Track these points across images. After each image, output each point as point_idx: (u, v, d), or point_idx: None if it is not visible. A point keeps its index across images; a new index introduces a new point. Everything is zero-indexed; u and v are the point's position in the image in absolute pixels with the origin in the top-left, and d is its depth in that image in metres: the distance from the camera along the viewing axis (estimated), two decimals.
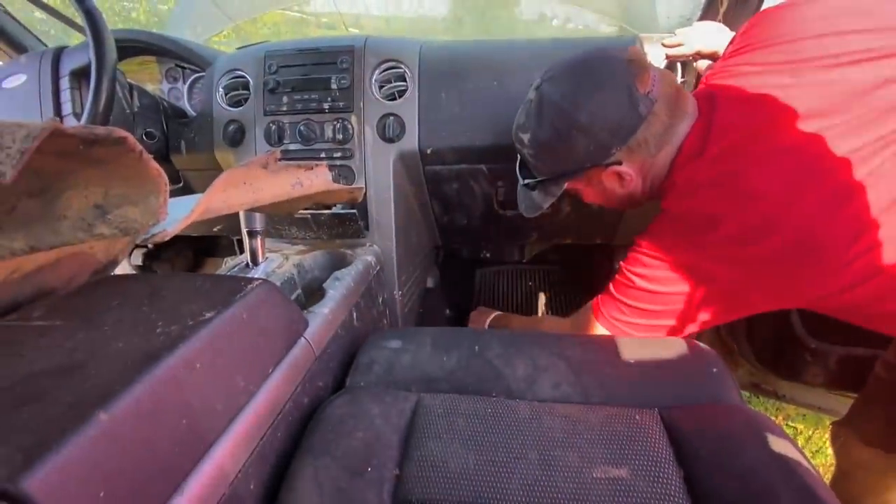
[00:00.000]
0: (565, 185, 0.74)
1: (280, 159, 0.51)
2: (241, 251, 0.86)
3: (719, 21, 0.93)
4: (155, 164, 0.34)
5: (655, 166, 0.68)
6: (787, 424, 1.37)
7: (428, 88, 0.94)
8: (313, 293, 0.84)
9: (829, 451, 1.24)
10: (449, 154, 0.96)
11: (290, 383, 0.56)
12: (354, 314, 0.78)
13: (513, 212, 1.09)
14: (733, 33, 0.82)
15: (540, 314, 1.44)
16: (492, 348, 0.67)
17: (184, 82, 1.12)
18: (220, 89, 0.99)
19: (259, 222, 0.77)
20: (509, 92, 0.92)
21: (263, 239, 0.80)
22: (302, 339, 0.61)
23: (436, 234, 1.22)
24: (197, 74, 1.09)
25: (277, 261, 0.84)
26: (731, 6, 0.91)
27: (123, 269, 1.45)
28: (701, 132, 0.63)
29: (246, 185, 0.47)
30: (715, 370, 0.62)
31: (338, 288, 0.75)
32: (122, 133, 0.29)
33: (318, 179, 0.58)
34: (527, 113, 0.72)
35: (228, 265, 0.86)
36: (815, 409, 1.19)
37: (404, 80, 0.95)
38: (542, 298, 1.50)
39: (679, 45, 0.86)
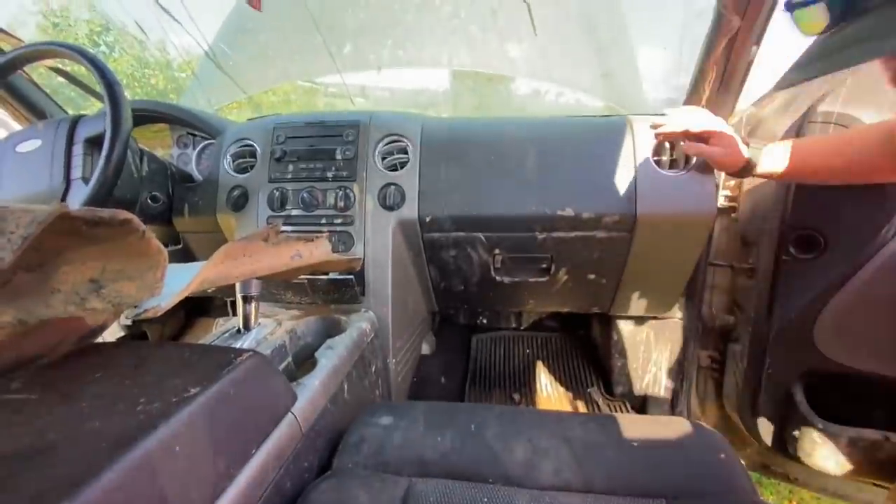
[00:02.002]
0: None
1: (281, 231, 0.52)
2: (234, 312, 0.86)
3: (703, 106, 0.99)
4: (156, 242, 0.34)
5: None
6: None
7: (428, 161, 0.98)
8: (305, 361, 0.82)
9: None
10: (447, 222, 0.98)
11: (274, 464, 0.53)
12: (345, 385, 0.75)
13: (509, 279, 1.10)
14: (718, 117, 0.88)
15: (538, 383, 1.40)
16: (489, 427, 0.64)
17: (193, 148, 1.16)
18: (228, 156, 1.03)
19: (254, 288, 0.76)
20: (505, 166, 0.96)
21: (258, 304, 0.79)
22: (289, 414, 0.58)
23: (432, 299, 1.21)
24: (207, 142, 1.14)
25: (270, 327, 0.83)
26: (713, 93, 0.97)
27: (112, 328, 1.41)
28: None
29: (245, 258, 0.47)
30: (723, 456, 0.59)
31: (330, 357, 0.73)
32: (126, 215, 0.29)
33: (317, 251, 0.58)
34: None
35: (220, 329, 0.84)
36: (830, 493, 1.12)
37: (406, 153, 0.99)
38: (539, 366, 1.46)
39: (666, 125, 0.90)
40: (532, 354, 1.48)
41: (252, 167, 1.01)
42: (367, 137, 0.98)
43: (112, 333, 1.42)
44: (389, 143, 1.00)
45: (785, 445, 1.04)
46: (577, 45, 1.31)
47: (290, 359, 0.80)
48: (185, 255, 1.13)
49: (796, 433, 0.99)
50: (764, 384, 1.04)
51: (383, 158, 0.99)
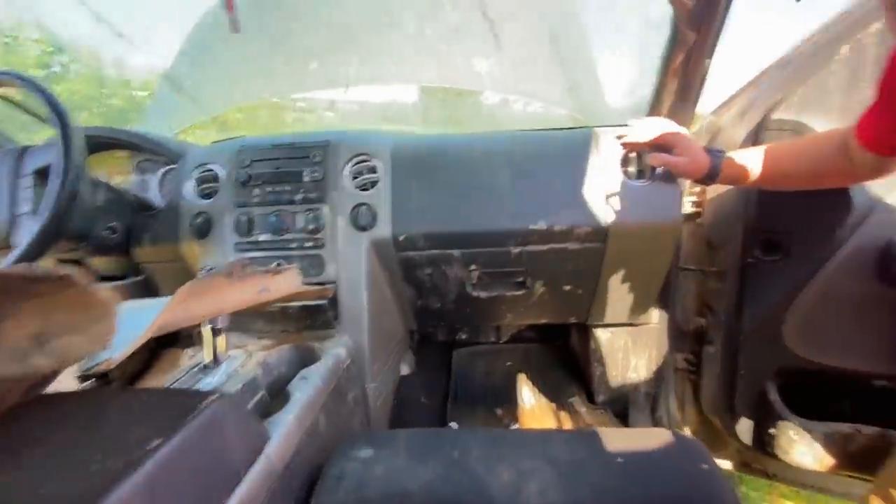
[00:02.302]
0: None
1: (246, 265, 0.49)
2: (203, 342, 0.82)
3: (665, 116, 1.02)
4: (102, 294, 0.31)
5: None
6: (780, 502, 1.32)
7: (400, 179, 0.97)
8: (278, 393, 0.79)
9: None
10: (421, 240, 0.97)
11: None
12: (322, 417, 0.73)
13: (486, 294, 1.09)
14: (680, 127, 0.90)
15: (521, 396, 1.39)
16: (473, 453, 0.62)
17: (154, 174, 1.12)
18: (191, 182, 0.99)
19: (222, 320, 0.73)
20: (476, 181, 0.96)
21: (226, 336, 0.75)
22: (262, 455, 0.55)
23: (410, 318, 1.19)
24: (168, 167, 1.10)
25: (240, 359, 0.79)
26: (673, 103, 1.00)
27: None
28: None
29: (208, 296, 0.45)
30: (705, 466, 0.60)
31: (304, 389, 0.70)
32: (64, 272, 0.27)
33: (285, 283, 0.56)
34: None
35: (187, 364, 0.80)
36: (808, 487, 1.15)
37: (376, 172, 0.98)
38: (521, 378, 1.45)
39: (630, 136, 0.92)
40: (513, 367, 1.48)
41: (216, 192, 0.98)
42: (336, 158, 0.97)
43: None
44: (358, 162, 0.98)
45: (763, 443, 1.06)
46: (541, 59, 1.33)
47: (262, 392, 0.77)
48: (146, 287, 1.08)
49: (773, 431, 1.01)
50: (738, 384, 1.06)
51: (353, 178, 0.97)
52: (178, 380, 0.73)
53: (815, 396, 0.99)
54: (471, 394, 1.39)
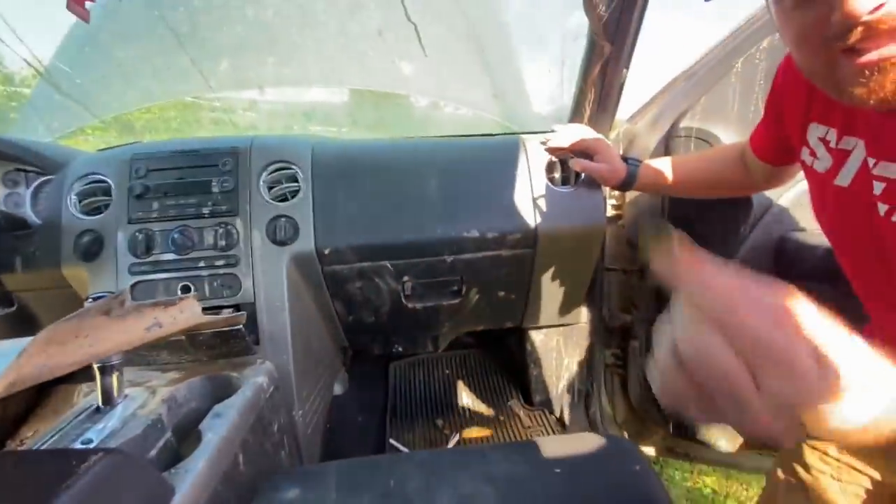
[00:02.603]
0: None
1: (126, 300, 0.42)
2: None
3: (585, 123, 1.06)
4: None
5: None
6: (700, 479, 1.42)
7: (323, 188, 0.91)
8: (189, 433, 0.70)
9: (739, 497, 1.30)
10: (349, 253, 0.92)
11: None
12: (241, 457, 0.65)
13: (422, 304, 1.06)
14: (599, 134, 0.93)
15: (460, 403, 1.37)
16: (410, 480, 0.59)
17: (27, 187, 0.95)
18: (73, 195, 0.86)
19: (114, 355, 0.63)
20: (405, 189, 0.93)
21: (121, 373, 0.65)
22: None
23: (341, 334, 1.12)
24: (44, 178, 0.94)
25: (140, 398, 0.69)
26: (593, 111, 1.04)
27: None
28: None
29: (79, 340, 0.37)
30: (638, 468, 0.61)
31: (217, 428, 0.62)
32: None
33: (182, 316, 0.48)
34: None
35: (77, 407, 0.69)
36: (724, 465, 1.25)
37: (296, 181, 0.91)
38: (460, 385, 1.44)
39: (553, 141, 0.93)
40: (452, 374, 1.46)
41: (106, 206, 0.85)
42: (249, 165, 0.88)
43: None
44: (276, 170, 0.90)
45: (683, 430, 1.13)
46: (467, 65, 1.33)
47: (168, 435, 0.67)
48: (20, 318, 0.91)
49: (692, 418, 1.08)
50: None
51: (270, 188, 0.90)
52: (61, 430, 0.62)
53: None
54: (410, 406, 1.35)
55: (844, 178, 0.52)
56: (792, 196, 0.92)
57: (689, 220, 1.01)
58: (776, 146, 0.67)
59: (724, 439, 1.05)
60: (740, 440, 1.06)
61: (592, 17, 0.84)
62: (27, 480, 0.40)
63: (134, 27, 1.30)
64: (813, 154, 0.56)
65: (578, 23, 0.94)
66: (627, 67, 0.92)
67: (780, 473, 0.71)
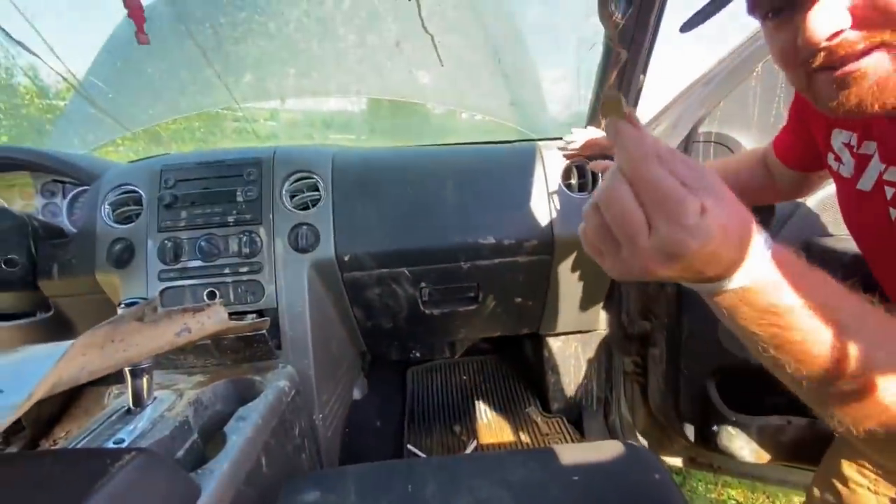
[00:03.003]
0: None
1: (157, 306, 0.44)
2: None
3: (602, 129, 1.06)
4: None
5: None
6: (725, 492, 1.38)
7: (342, 196, 0.93)
8: (214, 434, 0.72)
9: None
10: (368, 260, 0.93)
11: None
12: (264, 459, 0.67)
13: (439, 310, 1.07)
14: None
15: (478, 410, 1.37)
16: (427, 485, 0.59)
17: (63, 197, 1.00)
18: (107, 205, 0.90)
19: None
20: (423, 196, 0.94)
21: (151, 375, 0.67)
22: None
23: (360, 340, 1.14)
24: (80, 188, 0.99)
25: (168, 400, 0.71)
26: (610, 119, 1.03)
27: None
28: None
29: (115, 344, 0.39)
30: (657, 476, 0.60)
31: (241, 431, 0.64)
32: None
33: (209, 321, 0.51)
34: None
35: (108, 408, 0.72)
36: (749, 477, 1.21)
37: (317, 190, 0.93)
38: (477, 392, 1.44)
39: (571, 146, 0.93)
40: (469, 381, 1.46)
41: (137, 216, 0.89)
42: (272, 175, 0.91)
43: None
44: (297, 180, 0.93)
45: (706, 440, 1.10)
46: (483, 73, 1.34)
47: (195, 436, 0.69)
48: (57, 323, 0.96)
49: (715, 428, 1.06)
50: (682, 384, 1.10)
51: (292, 197, 0.92)
52: (93, 431, 0.65)
53: (753, 392, 1.05)
54: (427, 412, 1.35)
55: (866, 183, 0.51)
56: (817, 200, 0.90)
57: None
58: (803, 153, 0.66)
59: (748, 449, 1.03)
60: (765, 451, 1.03)
61: (608, 24, 0.84)
62: (65, 478, 0.42)
63: (163, 43, 1.36)
64: (838, 159, 0.56)
65: (594, 30, 0.95)
66: (644, 73, 0.92)
67: (816, 491, 0.69)
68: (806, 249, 0.90)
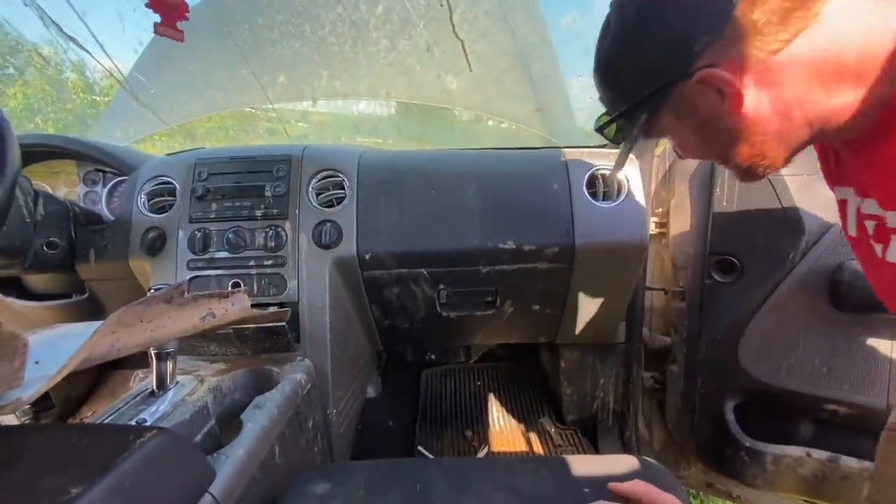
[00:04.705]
0: (643, 118, 0.49)
1: (186, 290, 0.45)
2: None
3: None
4: (7, 328, 0.28)
5: (800, 72, 0.40)
6: None
7: (366, 196, 0.94)
8: (231, 422, 0.74)
9: None
10: (388, 259, 0.94)
11: None
12: (277, 449, 0.68)
13: (456, 314, 1.07)
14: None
15: (490, 417, 1.36)
16: (436, 485, 0.59)
17: (103, 186, 1.05)
18: (143, 195, 0.94)
19: (170, 342, 0.68)
20: (445, 199, 0.95)
21: (174, 360, 0.70)
22: (206, 494, 0.51)
23: (376, 338, 1.15)
24: (119, 178, 1.03)
25: (190, 385, 0.74)
26: None
27: None
28: None
29: (143, 324, 0.41)
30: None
31: (257, 419, 0.66)
32: None
33: (233, 308, 0.52)
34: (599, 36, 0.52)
35: (132, 390, 0.74)
36: None
37: (342, 188, 0.95)
38: (491, 398, 1.43)
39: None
40: (483, 387, 1.45)
41: (170, 206, 0.93)
42: (300, 173, 0.93)
43: None
44: (324, 178, 0.95)
45: (720, 464, 1.07)
46: (511, 79, 1.35)
47: (213, 422, 0.71)
48: (91, 305, 1.00)
49: (728, 452, 1.02)
50: (698, 404, 1.07)
51: (318, 194, 0.94)
52: (118, 410, 0.67)
53: (773, 419, 1.01)
54: (439, 416, 1.35)
55: (851, 227, 0.50)
56: None
57: (733, 239, 0.97)
58: None
59: (760, 478, 0.98)
60: (781, 482, 0.98)
61: None
62: (92, 449, 0.44)
63: (204, 43, 1.41)
64: (843, 216, 0.55)
65: None
66: None
67: None
68: (837, 273, 0.87)
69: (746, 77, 0.41)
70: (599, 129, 0.55)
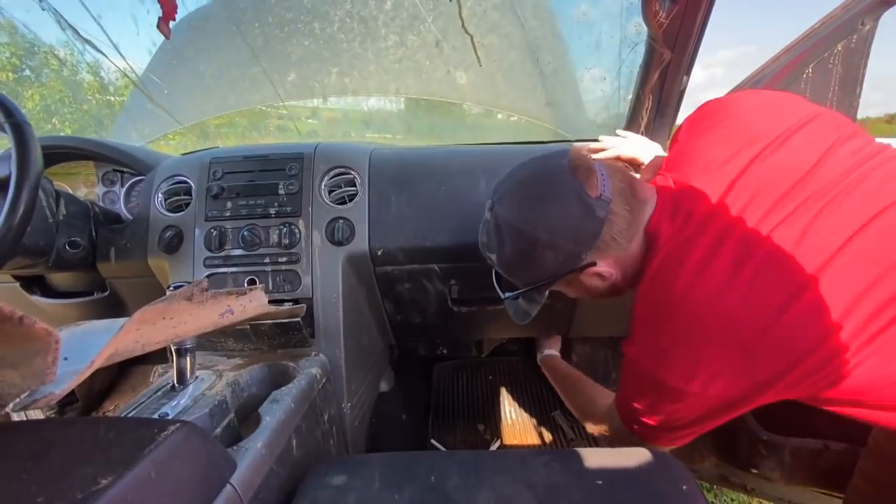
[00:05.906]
0: (547, 292, 0.72)
1: (206, 288, 0.47)
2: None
3: (641, 132, 1.03)
4: (41, 325, 0.29)
5: (630, 256, 0.66)
6: None
7: (378, 192, 0.95)
8: (249, 415, 0.75)
9: None
10: (400, 255, 0.95)
11: None
12: (294, 441, 0.70)
13: (467, 308, 1.08)
14: (654, 143, 0.91)
15: (503, 410, 1.37)
16: (450, 477, 0.60)
17: (121, 186, 1.07)
18: (160, 194, 0.96)
19: (189, 339, 0.69)
20: (455, 195, 0.95)
21: (194, 356, 0.72)
22: (227, 485, 0.52)
23: (389, 333, 1.17)
24: (136, 178, 1.05)
25: (209, 380, 0.76)
26: (650, 120, 1.01)
27: None
28: (665, 211, 0.64)
29: (165, 321, 0.42)
30: (685, 488, 0.59)
31: (275, 413, 0.67)
32: None
33: (251, 304, 0.53)
34: (487, 233, 0.71)
35: (153, 385, 0.76)
36: (785, 502, 1.16)
37: (354, 185, 0.96)
38: (503, 392, 1.44)
39: (603, 149, 0.92)
40: (495, 381, 1.46)
41: (187, 205, 0.95)
42: (312, 170, 0.94)
43: None
44: (336, 175, 0.96)
45: (735, 457, 1.06)
46: (521, 73, 1.34)
47: (231, 415, 0.73)
48: (112, 302, 1.03)
49: (745, 445, 1.01)
50: None
51: (330, 192, 0.95)
52: (140, 404, 0.69)
53: (789, 411, 1.00)
54: (452, 409, 1.37)
55: None
56: None
57: None
58: None
59: (778, 471, 0.98)
60: (799, 474, 0.98)
61: (652, 24, 0.82)
62: (117, 442, 0.45)
63: (215, 42, 1.43)
64: None
65: (637, 29, 0.93)
66: (688, 74, 0.89)
67: None
68: None
69: (615, 266, 0.67)
70: (510, 298, 0.78)
